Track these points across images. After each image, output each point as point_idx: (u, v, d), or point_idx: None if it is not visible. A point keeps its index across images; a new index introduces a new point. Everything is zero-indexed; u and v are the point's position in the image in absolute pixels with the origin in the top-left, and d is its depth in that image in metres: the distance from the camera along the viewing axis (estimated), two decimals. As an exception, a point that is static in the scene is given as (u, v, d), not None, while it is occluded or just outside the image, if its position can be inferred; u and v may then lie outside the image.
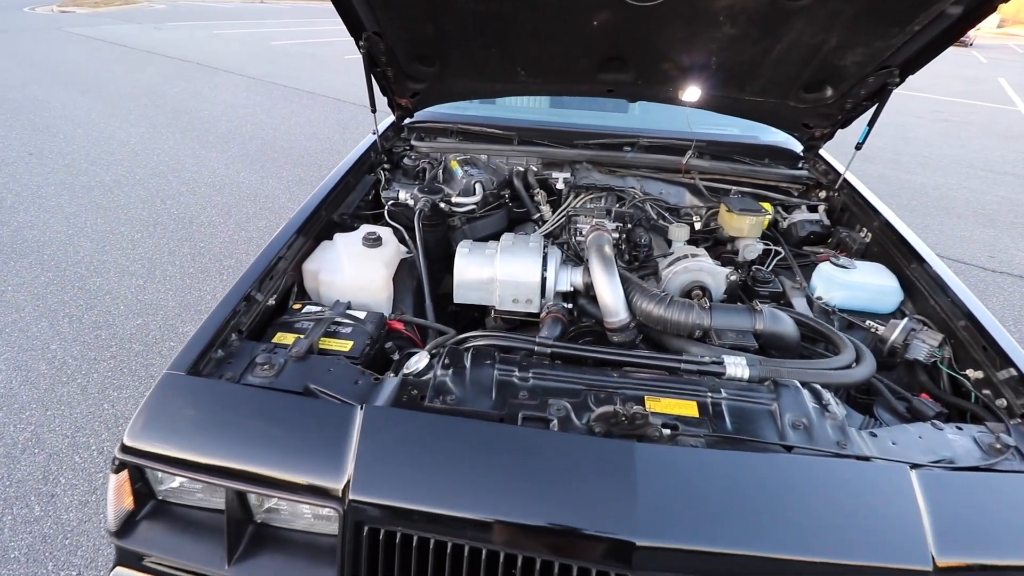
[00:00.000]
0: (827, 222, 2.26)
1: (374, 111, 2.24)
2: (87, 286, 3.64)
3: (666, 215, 2.34)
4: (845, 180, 2.27)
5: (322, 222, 1.93)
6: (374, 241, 1.79)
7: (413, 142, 2.50)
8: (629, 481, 1.01)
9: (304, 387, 1.29)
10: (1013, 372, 1.36)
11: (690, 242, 2.30)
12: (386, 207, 2.15)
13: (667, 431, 1.18)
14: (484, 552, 1.02)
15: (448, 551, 1.03)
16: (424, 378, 1.32)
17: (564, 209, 2.21)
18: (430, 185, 2.10)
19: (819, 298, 1.83)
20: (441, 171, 2.31)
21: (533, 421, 1.21)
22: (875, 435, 1.24)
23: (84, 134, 6.56)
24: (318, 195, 1.96)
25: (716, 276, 1.77)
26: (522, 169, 2.39)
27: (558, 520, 0.99)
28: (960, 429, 1.27)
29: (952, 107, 11.29)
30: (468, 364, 1.32)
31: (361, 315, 1.61)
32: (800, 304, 1.83)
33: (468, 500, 1.02)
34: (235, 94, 8.72)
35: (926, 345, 1.57)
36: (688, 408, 1.25)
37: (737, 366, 1.37)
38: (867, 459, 1.15)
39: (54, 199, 4.82)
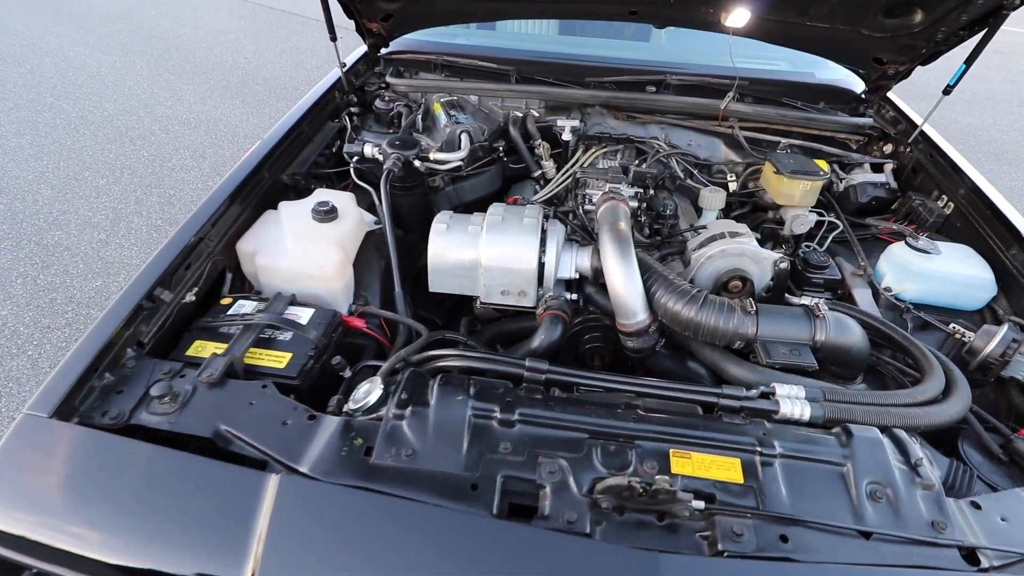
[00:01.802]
0: (894, 185, 1.83)
1: (334, 39, 1.79)
2: (45, 241, 3.31)
3: (695, 173, 1.92)
4: (922, 132, 1.82)
5: (265, 185, 1.54)
6: (326, 214, 1.42)
7: (388, 79, 2.05)
8: None
9: (214, 431, 0.97)
10: None
11: (725, 208, 1.90)
12: (351, 164, 1.75)
13: (700, 504, 0.85)
14: None
15: None
16: (375, 416, 1.00)
17: (571, 167, 1.79)
18: (404, 136, 1.69)
19: (887, 289, 1.46)
20: (420, 117, 1.88)
21: (518, 483, 0.90)
22: (978, 507, 0.91)
23: (52, 64, 6.00)
24: (261, 149, 1.57)
25: (761, 263, 1.39)
26: (520, 114, 1.95)
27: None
28: (1092, 495, 0.94)
29: (1002, 36, 10.15)
30: (433, 400, 0.99)
31: (306, 314, 1.27)
32: (864, 297, 1.45)
33: None
34: (218, 17, 7.95)
35: (1032, 362, 1.21)
36: (729, 468, 0.92)
37: (795, 403, 1.02)
38: (975, 555, 0.83)
39: (14, 139, 4.40)
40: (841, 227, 1.67)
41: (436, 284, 1.44)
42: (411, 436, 0.94)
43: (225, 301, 1.31)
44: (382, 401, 1.01)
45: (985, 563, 0.84)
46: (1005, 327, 1.26)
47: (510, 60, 2.01)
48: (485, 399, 0.99)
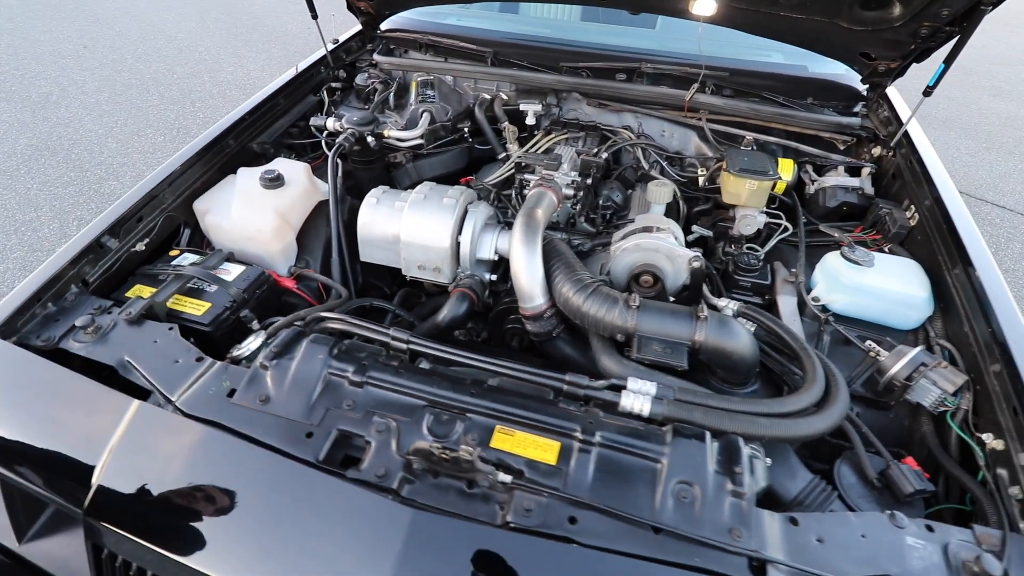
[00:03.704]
0: (870, 191, 1.72)
1: (315, 16, 1.89)
2: (103, 189, 3.71)
3: (664, 165, 1.89)
4: (906, 134, 1.69)
5: (232, 151, 1.69)
6: (271, 181, 1.54)
7: (376, 56, 2.14)
8: (386, 558, 0.77)
9: (118, 361, 1.13)
10: None
11: (689, 202, 1.86)
12: (323, 136, 1.87)
13: (506, 478, 0.91)
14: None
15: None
16: (250, 364, 1.12)
17: (524, 151, 1.82)
18: (363, 113, 1.77)
19: (816, 299, 1.40)
20: (394, 94, 1.96)
21: (350, 436, 0.99)
22: (795, 523, 0.90)
23: (137, 28, 6.55)
24: (229, 118, 1.71)
25: (675, 260, 1.38)
26: (488, 97, 1.98)
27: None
28: (931, 531, 0.90)
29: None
30: (298, 355, 1.09)
31: (237, 271, 1.41)
32: (788, 304, 1.41)
33: (206, 553, 0.83)
34: (291, -13, 8.33)
35: (937, 388, 1.15)
36: (546, 450, 0.96)
37: (638, 397, 1.04)
38: (763, 568, 0.83)
39: (94, 96, 4.90)
40: (791, 231, 1.60)
41: (365, 254, 1.54)
42: (270, 384, 1.05)
43: (173, 253, 1.47)
44: (259, 351, 1.13)
45: None
46: (916, 349, 1.19)
47: (491, 42, 2.04)
48: (344, 360, 1.08)
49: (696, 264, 1.36)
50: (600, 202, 1.65)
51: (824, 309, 1.38)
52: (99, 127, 4.41)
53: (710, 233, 1.73)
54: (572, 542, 0.85)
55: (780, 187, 1.71)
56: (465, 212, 1.46)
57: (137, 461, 0.92)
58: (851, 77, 1.90)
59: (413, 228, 1.43)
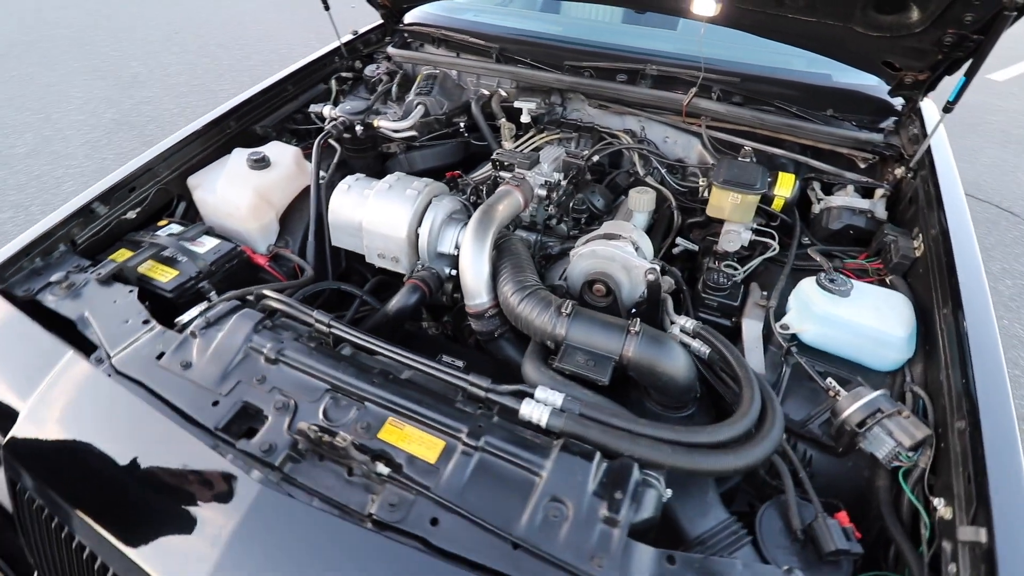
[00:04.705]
0: (882, 214, 1.56)
1: (327, 8, 1.96)
2: (168, 163, 4.04)
3: (664, 172, 1.80)
4: (927, 153, 1.51)
5: (232, 132, 1.78)
6: (257, 162, 1.61)
7: (389, 49, 2.18)
8: (226, 524, 0.79)
9: (79, 315, 1.22)
10: (983, 538, 0.81)
11: (686, 212, 1.77)
12: (326, 124, 1.93)
13: (384, 471, 0.91)
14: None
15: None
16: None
17: (513, 148, 1.79)
18: (358, 102, 1.82)
19: (784, 327, 1.28)
20: (396, 85, 2.00)
21: (251, 408, 1.02)
22: (672, 562, 0.83)
23: (226, 16, 7.06)
24: (232, 101, 1.81)
25: (631, 271, 1.31)
26: (487, 92, 1.97)
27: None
28: (831, 596, 0.80)
29: None
30: (226, 327, 1.14)
31: (211, 244, 1.49)
32: (752, 329, 1.30)
33: (85, 501, 0.89)
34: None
35: (891, 440, 1.02)
36: (430, 448, 0.95)
37: (538, 407, 1.00)
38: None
39: (175, 78, 5.34)
40: (777, 250, 1.48)
41: (336, 239, 1.58)
42: (194, 352, 1.10)
43: (161, 223, 1.57)
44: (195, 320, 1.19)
45: None
46: (875, 393, 1.07)
47: (499, 38, 2.02)
48: (265, 336, 1.11)
49: (651, 277, 1.28)
50: (573, 205, 1.59)
51: (793, 338, 1.27)
52: (175, 107, 4.80)
53: (695, 247, 1.63)
54: (426, 543, 0.83)
55: (778, 203, 1.58)
56: (429, 205, 1.46)
57: (54, 407, 1.00)
58: (881, 89, 1.73)
59: (375, 216, 1.45)
